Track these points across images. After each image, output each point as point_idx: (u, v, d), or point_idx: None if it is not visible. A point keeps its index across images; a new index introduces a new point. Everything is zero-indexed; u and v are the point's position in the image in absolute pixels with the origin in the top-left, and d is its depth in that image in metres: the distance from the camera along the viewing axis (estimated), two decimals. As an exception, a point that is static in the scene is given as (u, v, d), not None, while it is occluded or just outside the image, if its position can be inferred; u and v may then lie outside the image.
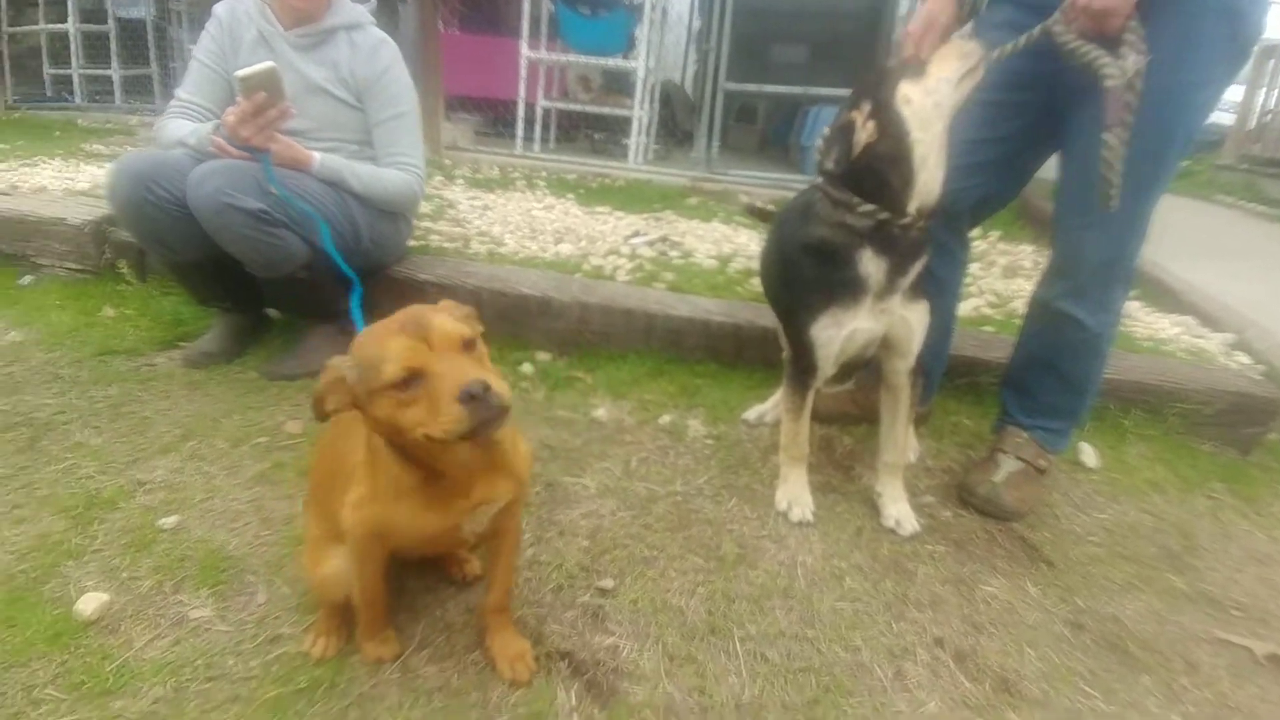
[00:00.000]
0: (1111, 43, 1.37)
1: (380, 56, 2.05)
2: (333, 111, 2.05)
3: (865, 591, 1.45)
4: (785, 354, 1.73)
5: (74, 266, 2.52)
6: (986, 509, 1.73)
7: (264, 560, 1.37)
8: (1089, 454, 2.01)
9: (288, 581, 1.33)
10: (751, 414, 2.04)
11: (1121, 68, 1.33)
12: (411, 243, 2.55)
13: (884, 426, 1.70)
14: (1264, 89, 8.17)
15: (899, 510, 1.66)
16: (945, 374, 2.16)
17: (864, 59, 6.20)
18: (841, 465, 1.88)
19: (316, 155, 1.95)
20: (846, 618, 1.38)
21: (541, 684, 1.16)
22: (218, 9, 2.03)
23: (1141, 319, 2.87)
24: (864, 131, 1.40)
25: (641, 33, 4.94)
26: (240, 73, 1.70)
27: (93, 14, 6.51)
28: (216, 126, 1.86)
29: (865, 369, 2.06)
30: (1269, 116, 8.17)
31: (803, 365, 1.61)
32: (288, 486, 1.59)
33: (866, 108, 1.41)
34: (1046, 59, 1.50)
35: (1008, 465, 1.78)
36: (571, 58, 5.25)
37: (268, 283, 1.93)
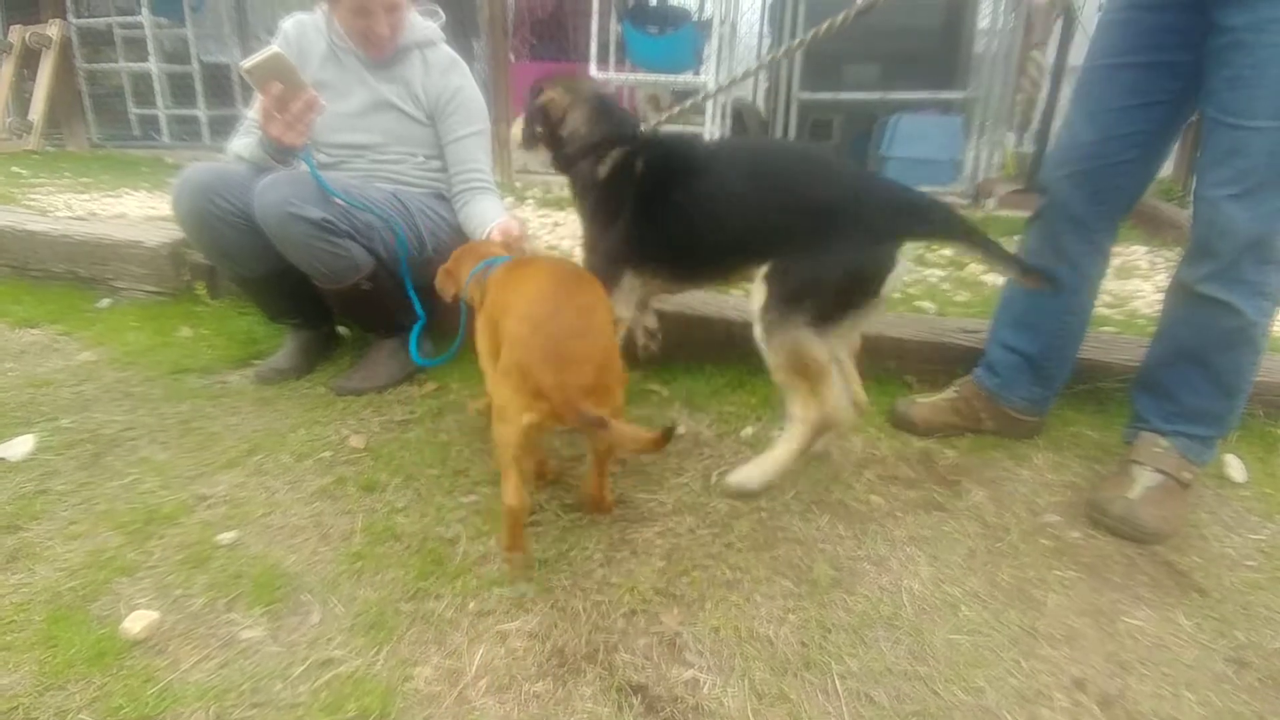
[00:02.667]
0: None
1: (453, 75, 2.03)
2: (402, 126, 2.03)
3: (985, 623, 1.25)
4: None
5: (151, 289, 2.57)
6: (1122, 529, 1.50)
7: (320, 578, 1.29)
8: (1235, 467, 1.75)
9: (343, 600, 1.24)
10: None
11: None
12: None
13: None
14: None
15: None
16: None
17: (938, 73, 5.99)
18: (946, 480, 1.67)
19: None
20: (965, 653, 1.19)
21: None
22: (285, 25, 2.04)
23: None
24: None
25: (710, 49, 4.87)
26: (244, 64, 1.64)
27: (174, 55, 6.71)
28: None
29: (971, 375, 1.87)
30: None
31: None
32: (348, 502, 1.51)
33: None
34: (1196, 12, 1.36)
35: (1145, 479, 1.55)
36: (640, 77, 5.23)
37: (333, 295, 1.90)
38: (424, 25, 2.05)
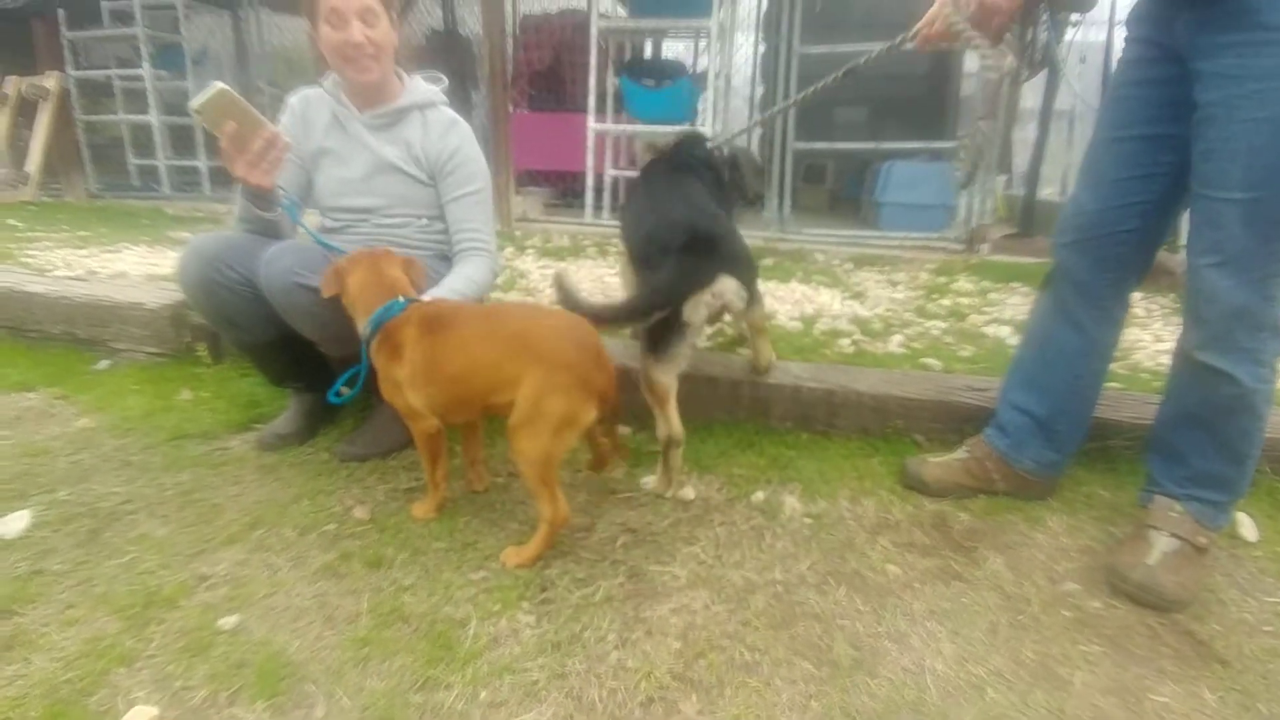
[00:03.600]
0: (995, 38, 1.51)
1: (452, 136, 2.04)
2: (404, 188, 2.03)
3: (1013, 706, 1.22)
4: None
5: (152, 350, 2.56)
6: (1143, 598, 1.48)
7: (325, 666, 1.25)
8: (1247, 525, 1.73)
9: (349, 692, 1.20)
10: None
11: (999, 65, 1.49)
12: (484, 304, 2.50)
13: None
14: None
15: None
16: None
17: (927, 117, 6.15)
18: (963, 546, 1.65)
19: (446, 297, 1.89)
20: (994, 740, 1.15)
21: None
22: (291, 99, 2.07)
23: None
24: None
25: (706, 101, 4.96)
26: (191, 103, 1.62)
27: (174, 107, 6.67)
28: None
29: (980, 434, 1.86)
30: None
31: None
32: (354, 580, 1.47)
33: None
34: (1185, 89, 1.41)
35: (1162, 544, 1.53)
36: (638, 128, 5.32)
37: (338, 361, 1.88)
38: (425, 88, 2.07)
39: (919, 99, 6.58)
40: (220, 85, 1.63)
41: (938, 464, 1.84)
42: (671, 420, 1.77)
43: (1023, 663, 1.32)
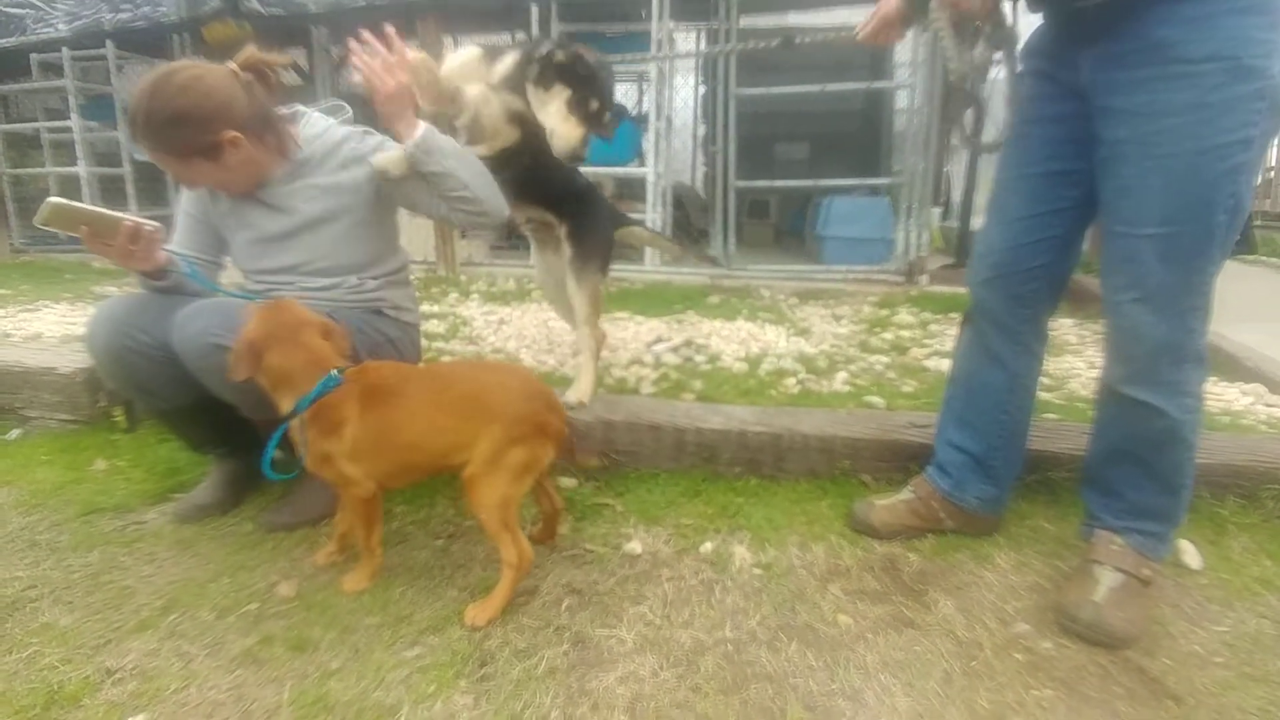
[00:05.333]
0: (970, 35, 1.49)
1: (365, 143, 1.89)
2: (327, 241, 1.88)
3: (970, 763, 1.18)
4: None
5: (66, 417, 2.40)
6: (1093, 637, 1.47)
7: (241, 770, 1.15)
8: (1190, 553, 1.76)
9: (267, 799, 1.10)
10: None
11: (961, 61, 1.47)
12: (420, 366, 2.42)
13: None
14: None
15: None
16: None
17: (864, 153, 6.35)
18: (913, 590, 1.63)
19: (419, 127, 1.74)
20: (953, 802, 1.11)
21: None
22: None
23: (1210, 390, 2.64)
24: None
25: (649, 142, 5.01)
26: (35, 221, 1.57)
27: (105, 157, 6.45)
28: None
29: (922, 473, 1.85)
30: (1271, 173, 8.16)
31: None
32: (275, 666, 1.37)
33: None
34: (1087, 124, 1.44)
35: (1107, 579, 1.53)
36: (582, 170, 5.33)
37: (264, 424, 1.78)
38: (320, 131, 1.88)
39: (855, 135, 6.80)
40: (52, 200, 1.57)
41: (884, 507, 1.82)
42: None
43: (978, 714, 1.28)
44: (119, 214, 1.65)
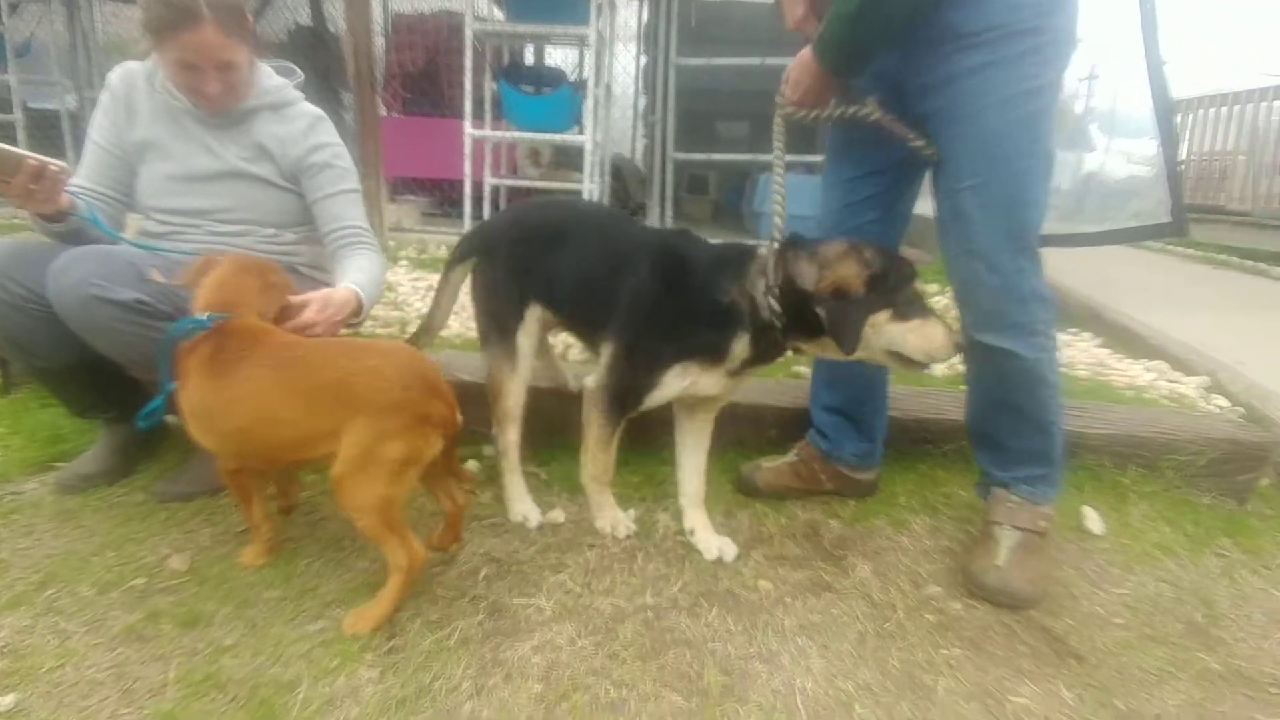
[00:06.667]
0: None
1: (317, 134, 1.85)
2: (252, 193, 1.82)
3: (880, 721, 1.20)
4: (599, 380, 1.64)
5: (-66, 381, 2.18)
6: (1000, 600, 1.52)
7: (119, 753, 1.06)
8: (1094, 519, 1.84)
9: (146, 782, 1.02)
10: (527, 517, 1.74)
11: (870, 106, 1.54)
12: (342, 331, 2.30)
13: (689, 464, 1.73)
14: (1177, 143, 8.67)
15: (719, 542, 1.64)
16: (930, 441, 1.98)
17: (803, 130, 6.37)
18: (832, 555, 1.64)
19: (357, 290, 1.70)
20: (863, 760, 1.12)
21: None
22: (111, 76, 1.81)
23: (1115, 366, 2.79)
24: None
25: (587, 108, 4.90)
26: None
27: None
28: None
29: (806, 438, 1.88)
30: (1182, 166, 8.65)
31: (629, 398, 1.62)
32: (162, 643, 1.27)
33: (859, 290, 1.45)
34: (900, 101, 1.55)
35: (1007, 539, 1.59)
36: (517, 135, 5.18)
37: (154, 386, 1.64)
38: (279, 85, 1.86)
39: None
40: None
41: (769, 469, 1.88)
42: None
43: (889, 673, 1.31)
44: (22, 151, 1.50)
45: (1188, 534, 1.83)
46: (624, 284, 1.61)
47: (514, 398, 1.74)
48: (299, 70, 1.96)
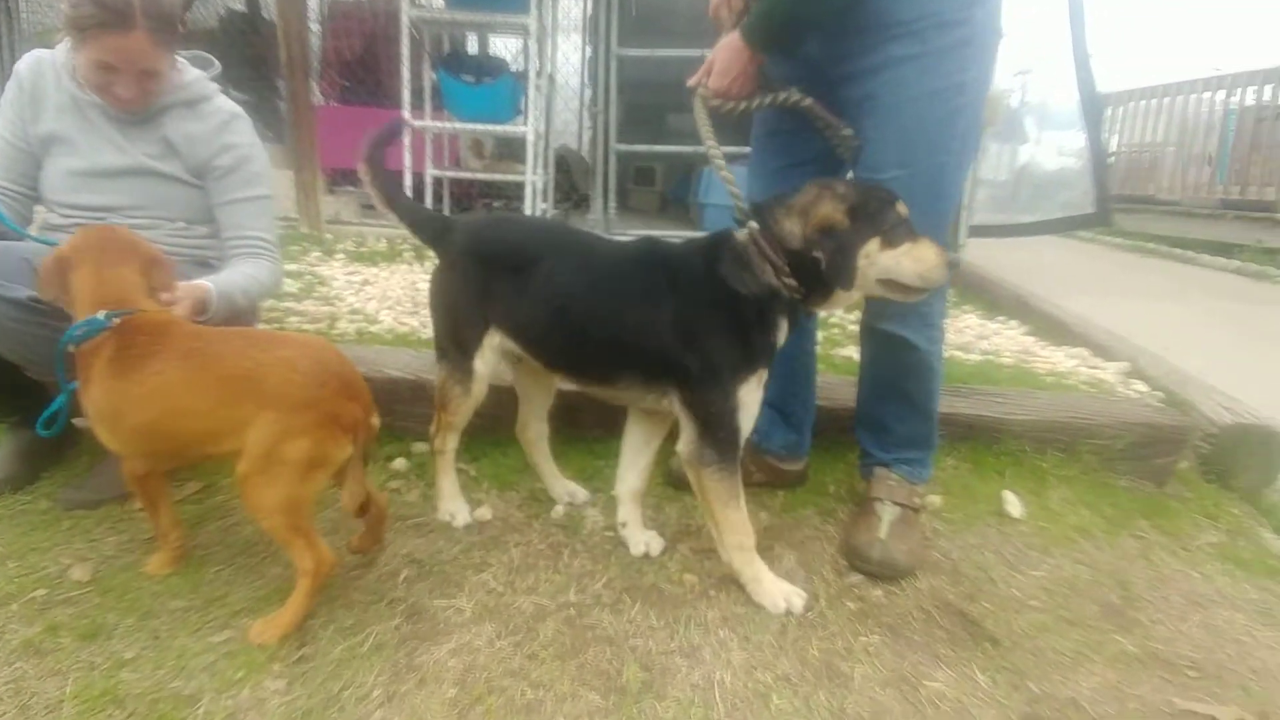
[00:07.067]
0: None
1: (229, 133, 1.79)
2: (159, 190, 1.77)
3: (797, 711, 1.21)
4: (693, 438, 1.47)
5: None
6: (882, 573, 1.58)
7: (4, 777, 1.01)
8: (1013, 503, 1.89)
9: (30, 808, 0.97)
10: (455, 515, 1.70)
11: (799, 94, 1.54)
12: (261, 327, 2.23)
13: (639, 461, 1.66)
14: (1106, 134, 9.03)
15: (645, 536, 1.63)
16: (840, 430, 1.98)
17: (748, 125, 6.40)
18: (759, 546, 1.64)
19: (210, 287, 1.62)
20: (778, 751, 1.13)
21: None
22: (19, 66, 1.73)
23: (1039, 353, 2.87)
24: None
25: (528, 99, 4.83)
26: None
27: None
28: None
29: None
30: (1113, 158, 8.98)
31: (734, 436, 1.45)
32: (60, 657, 1.22)
33: (845, 223, 1.38)
34: (823, 90, 1.55)
35: (888, 515, 1.66)
36: (457, 126, 5.08)
37: (56, 389, 1.57)
38: (194, 79, 1.79)
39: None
40: None
41: None
42: None
43: (808, 663, 1.32)
44: None
45: (1106, 516, 1.89)
46: (649, 316, 1.46)
47: (461, 416, 1.65)
48: (215, 61, 1.89)
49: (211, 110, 1.80)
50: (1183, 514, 1.94)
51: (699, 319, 1.44)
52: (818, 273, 1.39)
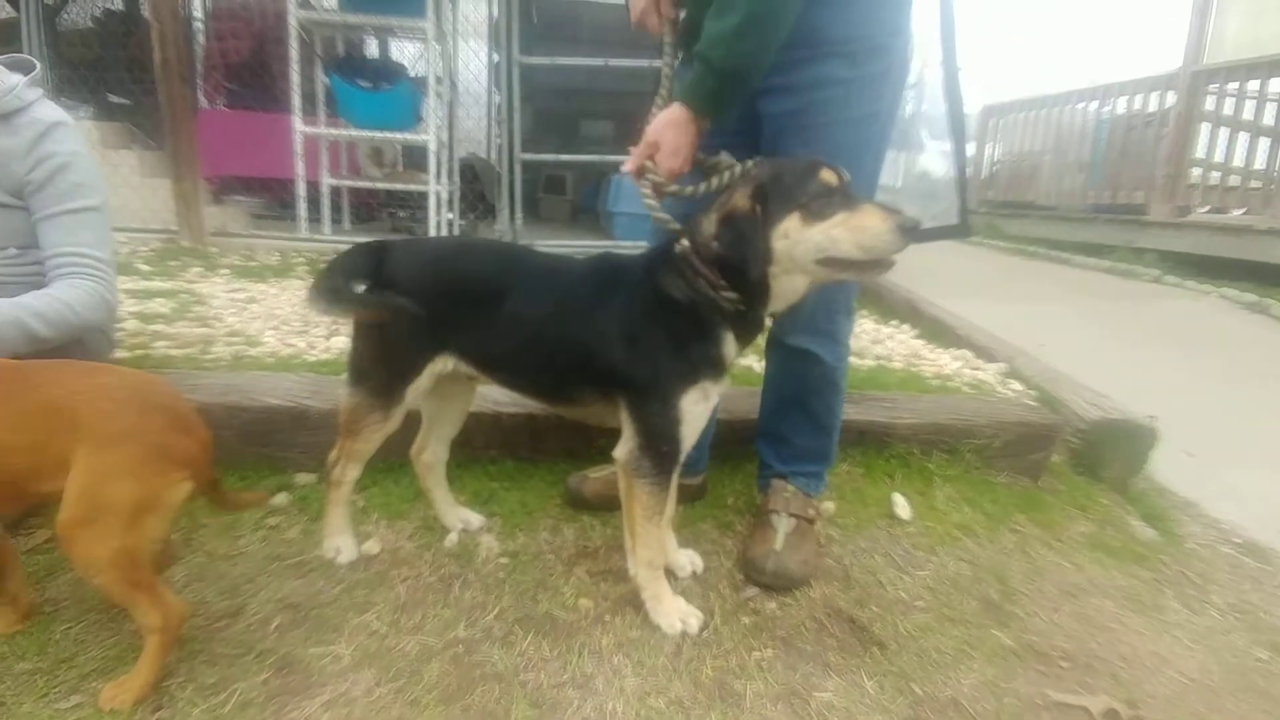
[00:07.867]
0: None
1: (48, 142, 1.65)
2: None
3: (688, 735, 1.20)
4: (631, 446, 1.44)
5: None
6: (777, 582, 1.60)
7: None
8: (902, 505, 1.95)
9: None
10: (341, 550, 1.61)
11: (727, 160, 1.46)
12: (121, 354, 2.06)
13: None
14: (990, 143, 9.61)
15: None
16: (738, 442, 2.00)
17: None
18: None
19: None
20: (667, 779, 1.12)
21: None
22: None
23: (927, 356, 2.98)
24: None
25: (429, 106, 4.71)
26: None
27: None
28: None
29: None
30: (997, 166, 9.55)
31: (667, 448, 1.42)
32: None
33: (749, 205, 1.30)
34: (750, 102, 1.52)
35: (784, 526, 1.68)
36: (354, 133, 4.90)
37: None
38: (8, 89, 1.64)
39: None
40: None
41: (596, 479, 1.86)
42: None
43: (701, 684, 1.32)
44: None
45: (986, 513, 1.98)
46: (599, 326, 1.42)
47: (371, 445, 1.55)
48: (35, 63, 1.74)
49: (28, 122, 1.66)
50: (1056, 507, 2.05)
51: (640, 329, 1.41)
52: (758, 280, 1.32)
